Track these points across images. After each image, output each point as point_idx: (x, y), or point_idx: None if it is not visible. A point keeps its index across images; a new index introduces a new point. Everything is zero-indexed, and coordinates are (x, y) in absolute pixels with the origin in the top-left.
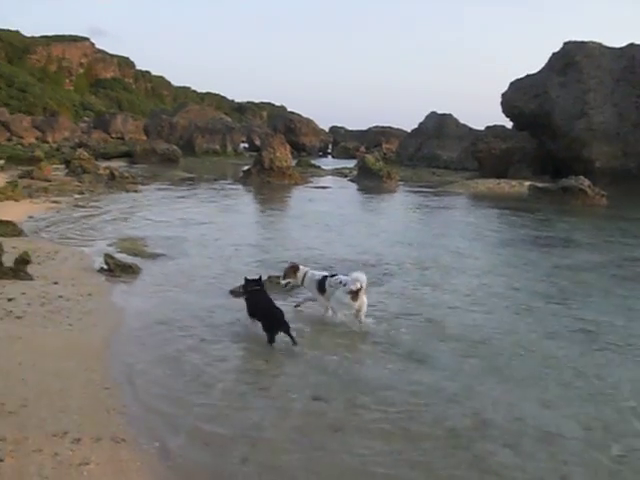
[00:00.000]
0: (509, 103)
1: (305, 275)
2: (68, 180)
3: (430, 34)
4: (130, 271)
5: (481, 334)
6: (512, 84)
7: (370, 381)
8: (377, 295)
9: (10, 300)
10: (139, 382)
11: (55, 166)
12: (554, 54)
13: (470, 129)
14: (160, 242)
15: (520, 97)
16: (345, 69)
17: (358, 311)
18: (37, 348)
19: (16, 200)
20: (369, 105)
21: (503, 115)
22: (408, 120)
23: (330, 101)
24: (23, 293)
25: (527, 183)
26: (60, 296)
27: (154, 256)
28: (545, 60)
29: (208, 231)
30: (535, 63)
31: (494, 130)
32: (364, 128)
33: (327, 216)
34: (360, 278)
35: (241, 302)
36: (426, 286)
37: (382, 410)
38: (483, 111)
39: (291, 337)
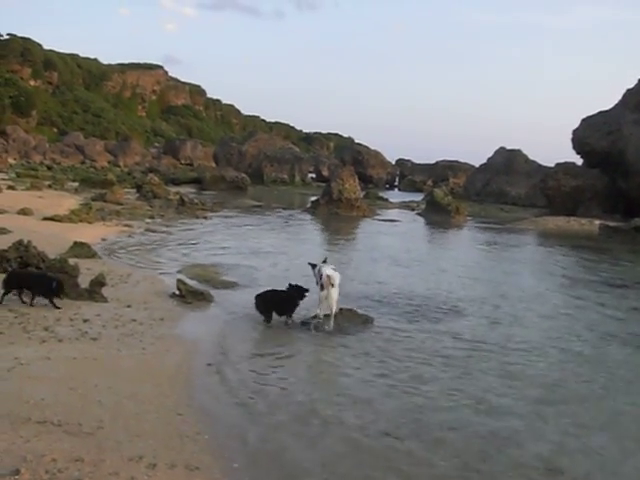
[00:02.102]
0: (580, 140)
1: None
2: (139, 204)
3: (498, 68)
4: (201, 298)
5: (553, 378)
6: (584, 121)
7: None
8: (448, 332)
9: (85, 321)
10: (212, 410)
11: (126, 190)
12: (628, 90)
13: (539, 165)
14: (230, 270)
15: (592, 134)
16: (412, 102)
17: None
18: (112, 370)
19: (89, 222)
20: (436, 138)
21: (573, 152)
22: (476, 154)
23: (397, 133)
24: (98, 315)
25: (597, 222)
26: (133, 319)
27: (225, 284)
28: (618, 97)
29: (278, 261)
30: (607, 100)
31: (564, 167)
32: (430, 161)
33: (396, 250)
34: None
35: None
36: (496, 324)
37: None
38: (553, 147)
39: None
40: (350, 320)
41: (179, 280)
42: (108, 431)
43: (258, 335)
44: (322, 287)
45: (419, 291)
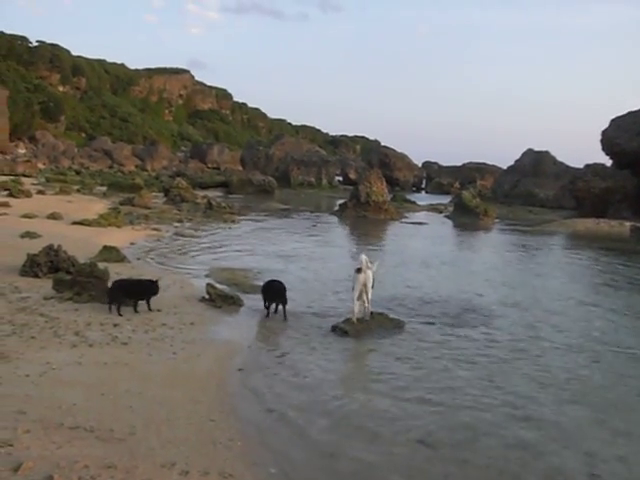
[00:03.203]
0: (610, 141)
1: None
2: (167, 208)
3: (523, 70)
4: (231, 302)
5: (591, 384)
6: (613, 121)
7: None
8: (481, 337)
9: (115, 326)
10: (244, 416)
11: (154, 194)
12: None
13: (567, 167)
14: (259, 274)
15: (621, 135)
16: (438, 104)
17: None
18: (143, 376)
19: (118, 226)
20: (462, 141)
21: (602, 153)
22: (503, 156)
23: (423, 136)
24: (128, 319)
25: (628, 224)
26: (163, 324)
27: (254, 288)
28: None
29: (307, 264)
30: (636, 100)
31: (594, 168)
32: (457, 164)
33: (425, 253)
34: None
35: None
36: (530, 329)
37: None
38: (581, 149)
39: None
40: (382, 324)
41: (209, 284)
42: (140, 437)
43: (288, 340)
44: (359, 271)
45: (450, 295)
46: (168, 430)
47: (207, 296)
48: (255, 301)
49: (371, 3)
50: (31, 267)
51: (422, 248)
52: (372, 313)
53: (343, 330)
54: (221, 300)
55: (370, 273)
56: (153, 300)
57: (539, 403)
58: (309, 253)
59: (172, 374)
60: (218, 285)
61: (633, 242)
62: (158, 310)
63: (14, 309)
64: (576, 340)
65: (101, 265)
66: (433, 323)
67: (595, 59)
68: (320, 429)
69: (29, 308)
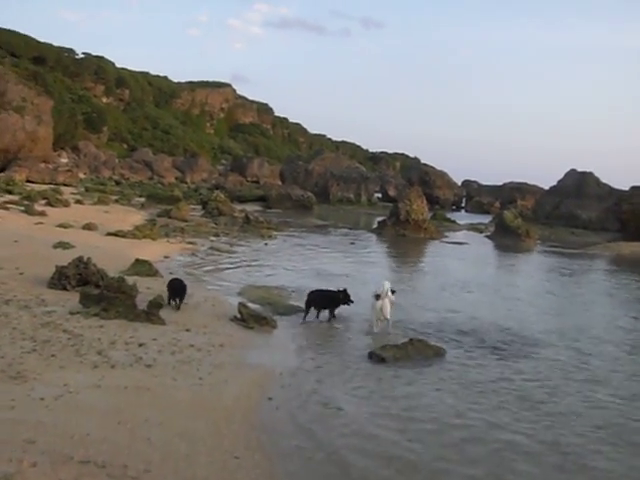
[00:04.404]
0: None
1: None
2: (204, 221)
3: (566, 89)
4: (264, 323)
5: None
6: None
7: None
8: (526, 369)
9: (141, 345)
10: (271, 454)
11: (192, 206)
12: None
13: (612, 188)
14: (294, 293)
15: None
16: (479, 122)
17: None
18: (165, 403)
19: (153, 239)
20: (502, 160)
21: None
22: (543, 177)
23: (463, 155)
24: (154, 339)
25: None
26: (191, 345)
27: (289, 309)
28: None
29: (344, 284)
30: None
31: None
32: (497, 183)
33: (465, 276)
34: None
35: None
36: (577, 360)
37: None
38: (625, 170)
39: None
40: (421, 352)
41: (241, 304)
42: (155, 475)
43: (323, 367)
44: (377, 297)
45: (492, 321)
46: (187, 468)
47: (239, 316)
48: (289, 322)
49: (413, 20)
50: (59, 279)
51: (462, 270)
52: (411, 339)
53: (380, 357)
54: (253, 321)
55: (387, 301)
56: (180, 316)
57: (593, 451)
58: (347, 272)
59: (196, 402)
60: (251, 304)
61: None
62: (187, 330)
63: (38, 324)
64: (628, 373)
65: (132, 279)
66: (474, 352)
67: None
68: (355, 472)
69: (53, 323)
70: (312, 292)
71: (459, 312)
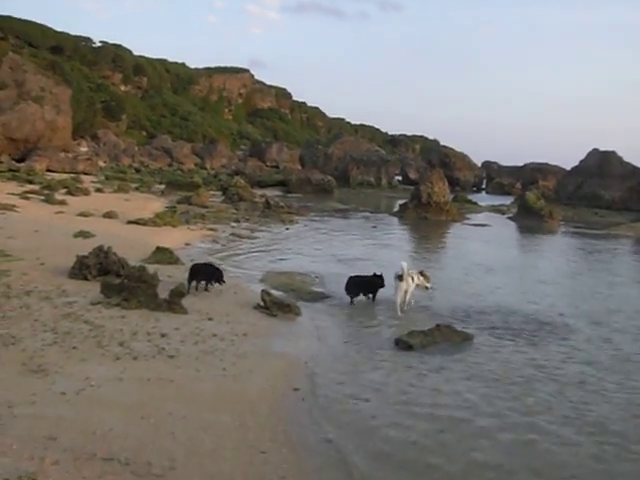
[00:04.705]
0: None
1: None
2: (224, 207)
3: (587, 68)
4: (287, 310)
5: None
6: None
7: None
8: (557, 353)
9: (163, 336)
10: (298, 447)
11: (212, 192)
12: None
13: (635, 167)
14: (318, 279)
15: None
16: (498, 104)
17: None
18: (188, 395)
19: (174, 226)
20: (522, 141)
21: None
22: (565, 157)
23: (482, 136)
24: (177, 329)
25: None
26: (214, 334)
27: (313, 295)
28: None
29: (368, 269)
30: None
31: None
32: (517, 164)
33: (489, 258)
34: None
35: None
36: (607, 343)
37: None
38: None
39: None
40: (449, 338)
41: (264, 291)
42: (180, 473)
43: (349, 355)
44: (400, 278)
45: (519, 304)
46: (212, 464)
47: (262, 303)
48: (313, 309)
49: (432, 2)
50: (80, 269)
51: (486, 252)
52: (438, 325)
53: (407, 344)
54: (277, 308)
55: (410, 281)
56: (202, 305)
57: (636, 440)
58: (370, 257)
59: (220, 394)
60: (274, 291)
61: None
62: (210, 319)
63: (59, 315)
64: None
65: (153, 267)
66: (502, 337)
67: None
68: (386, 465)
69: (74, 314)
70: (351, 277)
71: (484, 296)
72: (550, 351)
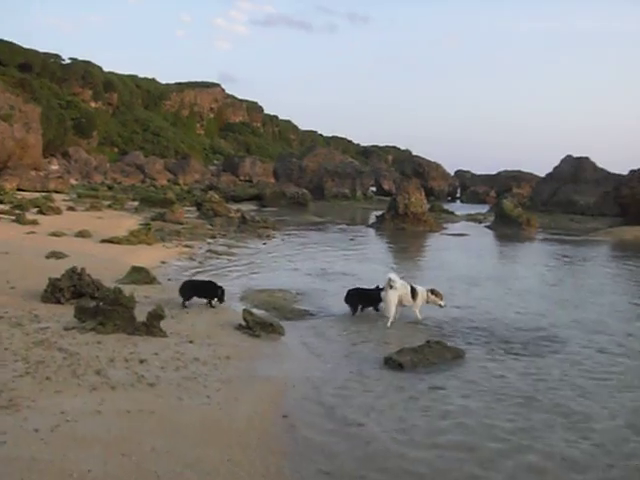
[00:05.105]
0: None
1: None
2: (200, 223)
3: (554, 76)
4: (271, 330)
5: None
6: None
7: None
8: (553, 368)
9: (142, 362)
10: None
11: (186, 208)
12: None
13: (609, 173)
14: (299, 295)
15: None
16: (467, 113)
17: None
18: (172, 428)
19: (149, 244)
20: (494, 149)
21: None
22: (536, 164)
23: (453, 145)
24: (156, 353)
25: None
26: (196, 358)
27: (295, 313)
28: None
29: (349, 284)
30: None
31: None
32: (490, 172)
33: (471, 269)
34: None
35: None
36: (603, 355)
37: None
38: (622, 154)
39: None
40: (439, 355)
41: (245, 310)
42: None
43: (338, 376)
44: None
45: (507, 316)
46: None
47: (244, 323)
48: (297, 328)
49: (399, 14)
50: (52, 292)
51: (468, 263)
52: (428, 342)
53: (397, 362)
54: (260, 328)
55: (393, 292)
56: (182, 326)
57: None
58: (350, 271)
59: (206, 425)
60: (255, 310)
61: None
62: (190, 342)
63: (30, 342)
64: None
65: (129, 288)
66: (494, 352)
67: (618, 62)
68: None
69: (47, 341)
70: (351, 290)
71: (471, 308)
72: (546, 365)
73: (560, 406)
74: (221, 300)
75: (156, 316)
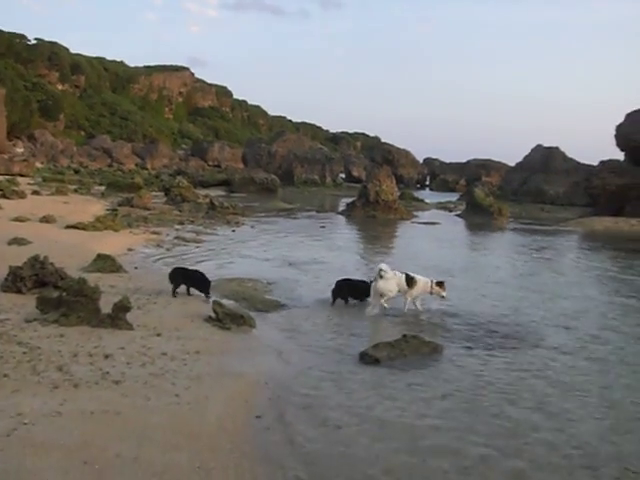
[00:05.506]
0: (625, 136)
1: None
2: (167, 209)
3: (522, 66)
4: (241, 322)
5: None
6: (629, 116)
7: None
8: (532, 363)
9: (107, 357)
10: None
11: (154, 193)
12: None
13: (578, 163)
14: (270, 285)
15: (638, 129)
16: (439, 100)
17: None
18: (138, 431)
19: (115, 230)
20: (463, 137)
21: (609, 149)
22: (506, 153)
23: (422, 132)
24: (122, 348)
25: None
26: (164, 353)
27: (267, 304)
28: None
29: (320, 274)
30: None
31: (609, 165)
32: (457, 160)
33: (444, 259)
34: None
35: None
36: (581, 349)
37: None
38: (588, 145)
39: None
40: (417, 350)
41: (215, 302)
42: None
43: (312, 373)
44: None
45: (482, 308)
46: None
47: (214, 315)
48: (269, 320)
49: (372, 0)
50: (14, 282)
51: (440, 253)
52: (405, 336)
53: (373, 357)
54: (230, 320)
55: (382, 282)
56: (149, 318)
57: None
58: (321, 259)
59: (175, 427)
60: (225, 301)
61: None
62: (158, 335)
63: None
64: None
65: (94, 276)
66: (472, 346)
67: (595, 56)
68: None
69: (6, 335)
70: (340, 281)
71: (446, 300)
72: (525, 361)
73: (542, 404)
74: (206, 292)
75: (122, 307)
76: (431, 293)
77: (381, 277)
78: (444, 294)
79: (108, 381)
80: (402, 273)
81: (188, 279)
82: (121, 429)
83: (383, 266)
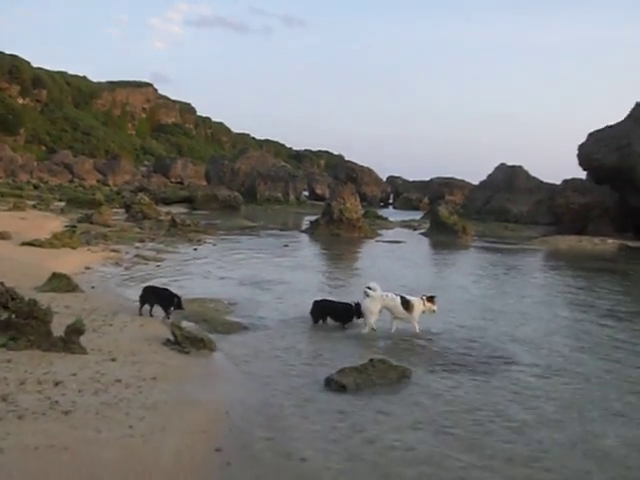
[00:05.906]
0: (588, 155)
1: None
2: (128, 226)
3: (485, 87)
4: (201, 345)
5: None
6: (591, 135)
7: None
8: (504, 388)
9: (57, 384)
10: None
11: (115, 210)
12: (638, 104)
13: (541, 182)
14: (232, 306)
15: (600, 149)
16: (401, 119)
17: None
18: (88, 469)
19: (73, 247)
20: (425, 155)
21: (570, 169)
22: (470, 172)
23: (385, 151)
24: (73, 374)
25: (610, 240)
26: (118, 380)
27: (228, 326)
28: (627, 111)
29: (284, 294)
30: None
31: (573, 184)
32: (420, 178)
33: (409, 278)
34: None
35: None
36: (554, 374)
37: None
38: (551, 165)
39: None
40: (384, 374)
41: (174, 324)
42: None
43: (276, 401)
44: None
45: (451, 330)
46: None
47: (172, 338)
48: (230, 343)
49: (335, 18)
50: None
51: (405, 272)
52: (372, 360)
53: (339, 384)
54: (189, 344)
55: (367, 301)
56: (104, 341)
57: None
58: (285, 279)
59: (128, 463)
60: (184, 322)
61: (622, 261)
62: (112, 359)
63: None
64: (612, 387)
65: (48, 296)
66: (441, 370)
67: (558, 76)
68: None
69: None
70: (317, 302)
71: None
72: (496, 386)
73: (514, 435)
74: (170, 310)
75: (75, 330)
76: (423, 312)
77: (367, 296)
78: (435, 308)
79: (57, 411)
80: (397, 295)
81: (159, 298)
82: (68, 466)
83: (372, 284)
